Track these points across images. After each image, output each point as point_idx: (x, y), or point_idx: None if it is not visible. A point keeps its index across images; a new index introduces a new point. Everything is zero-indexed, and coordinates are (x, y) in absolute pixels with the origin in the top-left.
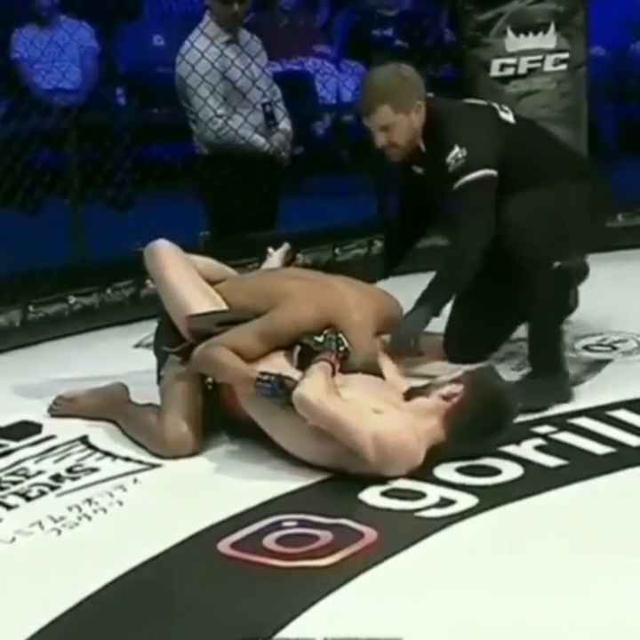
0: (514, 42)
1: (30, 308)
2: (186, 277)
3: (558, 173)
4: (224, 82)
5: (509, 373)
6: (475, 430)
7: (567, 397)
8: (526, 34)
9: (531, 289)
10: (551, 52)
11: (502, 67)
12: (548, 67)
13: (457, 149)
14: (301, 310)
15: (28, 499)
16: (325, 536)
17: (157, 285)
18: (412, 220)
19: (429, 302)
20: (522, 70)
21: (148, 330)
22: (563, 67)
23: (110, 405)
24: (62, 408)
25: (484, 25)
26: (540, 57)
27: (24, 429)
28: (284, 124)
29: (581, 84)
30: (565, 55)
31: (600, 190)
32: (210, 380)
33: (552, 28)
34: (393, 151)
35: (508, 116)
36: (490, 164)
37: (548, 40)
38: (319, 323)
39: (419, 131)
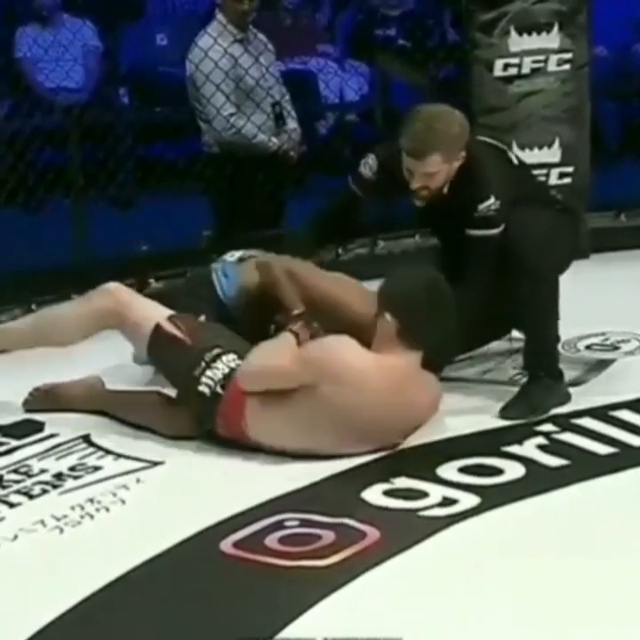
0: (517, 42)
1: (33, 306)
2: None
3: (548, 206)
4: (234, 80)
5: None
6: (432, 330)
7: (567, 398)
8: (530, 34)
9: (534, 295)
10: (555, 51)
11: (506, 66)
12: (552, 66)
13: (492, 200)
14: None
15: (31, 497)
16: (328, 535)
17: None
18: (361, 211)
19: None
20: (525, 70)
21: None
22: (566, 66)
23: (91, 396)
24: (38, 401)
25: (487, 25)
26: (543, 57)
27: (26, 428)
28: (292, 124)
29: (584, 83)
30: (569, 55)
31: (579, 228)
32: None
33: (555, 27)
34: (423, 194)
35: (513, 158)
36: (502, 222)
37: (552, 40)
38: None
39: (451, 177)
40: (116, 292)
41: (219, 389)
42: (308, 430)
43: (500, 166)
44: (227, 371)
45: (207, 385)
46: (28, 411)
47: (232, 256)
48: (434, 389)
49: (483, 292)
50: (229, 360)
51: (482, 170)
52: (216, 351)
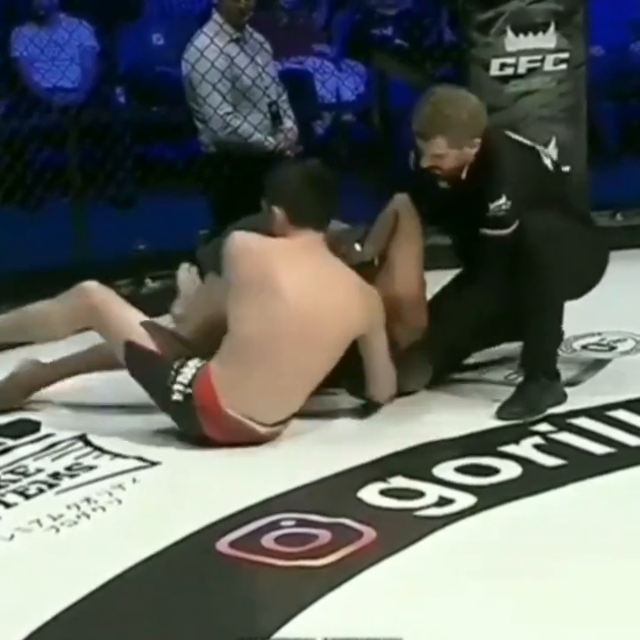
0: (513, 41)
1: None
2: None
3: (572, 216)
4: (231, 80)
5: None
6: (317, 209)
7: (564, 398)
8: (526, 33)
9: (534, 292)
10: (551, 51)
11: (502, 66)
12: (548, 66)
13: (503, 200)
14: None
15: (27, 497)
16: (324, 535)
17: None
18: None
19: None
20: (521, 70)
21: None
22: (562, 66)
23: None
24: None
25: (483, 24)
26: (539, 56)
27: (23, 427)
28: (290, 123)
29: (581, 83)
30: (565, 55)
31: (604, 246)
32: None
33: (552, 27)
34: (435, 173)
35: (548, 162)
36: (515, 222)
37: (548, 40)
38: None
39: (467, 163)
40: (94, 291)
41: (189, 390)
42: (272, 371)
43: (522, 166)
44: (194, 371)
45: (179, 391)
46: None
47: None
48: (351, 277)
49: (494, 292)
50: (196, 363)
51: (499, 167)
52: (182, 358)
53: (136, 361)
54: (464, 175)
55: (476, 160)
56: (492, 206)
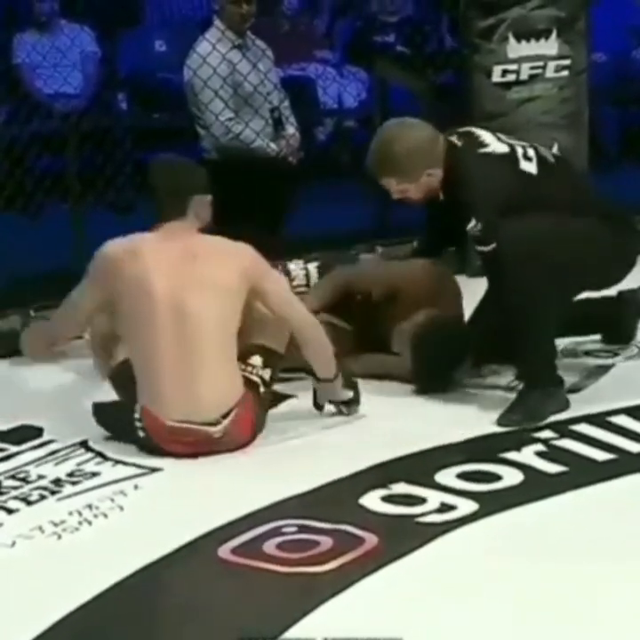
0: (515, 48)
1: (31, 312)
2: None
3: (574, 215)
4: (233, 86)
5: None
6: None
7: (566, 405)
8: (528, 40)
9: (521, 303)
10: (553, 58)
11: (504, 73)
12: (550, 73)
13: (473, 222)
14: None
15: (29, 503)
16: (326, 542)
17: None
18: (439, 234)
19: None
20: (523, 76)
21: None
22: (564, 73)
23: None
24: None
25: (485, 31)
26: (541, 63)
27: (24, 433)
28: (291, 129)
29: (583, 90)
30: (567, 61)
31: (631, 237)
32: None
33: (554, 34)
34: (410, 201)
35: (530, 166)
36: (492, 242)
37: (550, 46)
38: None
39: (435, 188)
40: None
41: (140, 423)
42: (175, 366)
43: (491, 182)
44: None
45: (138, 427)
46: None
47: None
48: (214, 244)
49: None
50: None
51: (466, 189)
52: None
53: (117, 383)
54: (441, 196)
55: (450, 178)
56: (469, 227)
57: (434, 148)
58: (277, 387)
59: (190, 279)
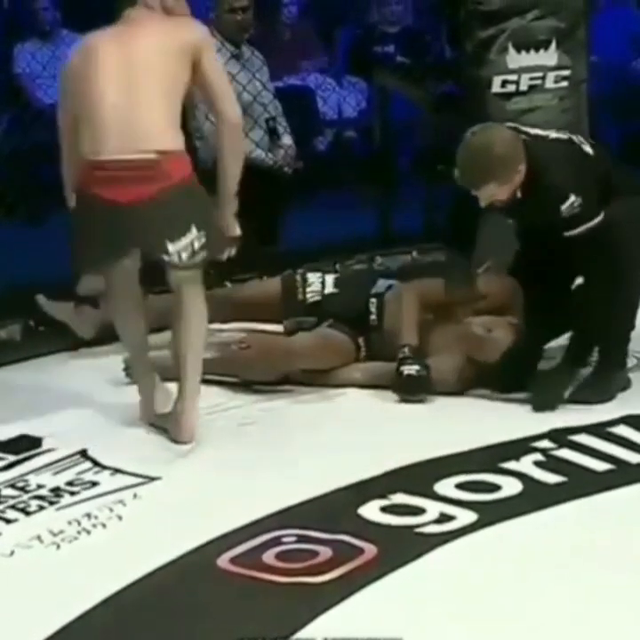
0: (515, 58)
1: (31, 321)
2: None
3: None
4: None
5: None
6: None
7: (629, 383)
8: (528, 50)
9: (627, 287)
10: (552, 68)
11: (504, 83)
12: (550, 83)
13: (573, 198)
14: None
15: (28, 513)
16: (325, 552)
17: None
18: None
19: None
20: (523, 87)
21: (152, 342)
22: (564, 83)
23: None
24: None
25: (485, 42)
26: (541, 73)
27: (24, 443)
28: (287, 140)
29: (582, 100)
30: (567, 72)
31: None
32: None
33: (553, 44)
34: (494, 206)
35: (588, 148)
36: (599, 212)
37: (550, 57)
38: None
39: (517, 185)
40: None
41: None
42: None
43: (571, 161)
44: None
45: None
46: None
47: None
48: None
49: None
50: None
51: (551, 174)
52: None
53: None
54: (519, 194)
55: (530, 172)
56: (563, 208)
57: (519, 145)
58: (268, 402)
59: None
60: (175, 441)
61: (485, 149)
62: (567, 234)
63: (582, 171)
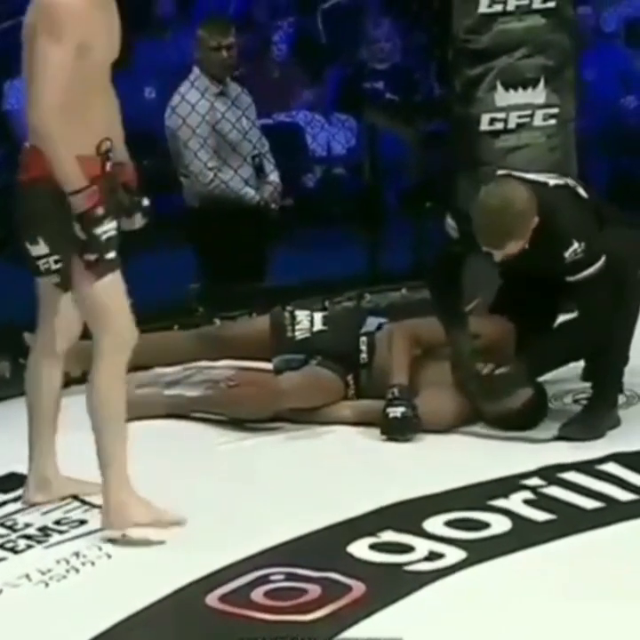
0: (503, 96)
1: (20, 359)
2: None
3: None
4: (214, 134)
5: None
6: None
7: (619, 422)
8: (516, 89)
9: (627, 325)
10: (541, 106)
11: (492, 121)
12: (538, 121)
13: (576, 245)
14: None
15: (16, 551)
16: (313, 589)
17: None
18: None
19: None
20: (511, 125)
21: (141, 379)
22: (552, 121)
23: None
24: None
25: (473, 80)
26: (529, 111)
27: (13, 481)
28: (274, 177)
29: (571, 138)
30: (555, 110)
31: None
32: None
33: (542, 82)
34: (506, 261)
35: (582, 190)
36: (600, 255)
37: (538, 95)
38: None
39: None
40: None
41: None
42: None
43: (571, 208)
44: None
45: None
46: None
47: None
48: None
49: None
50: None
51: (554, 222)
52: None
53: None
54: (526, 245)
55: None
56: (567, 255)
57: (534, 199)
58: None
59: None
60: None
61: (505, 209)
62: (570, 279)
63: (582, 216)
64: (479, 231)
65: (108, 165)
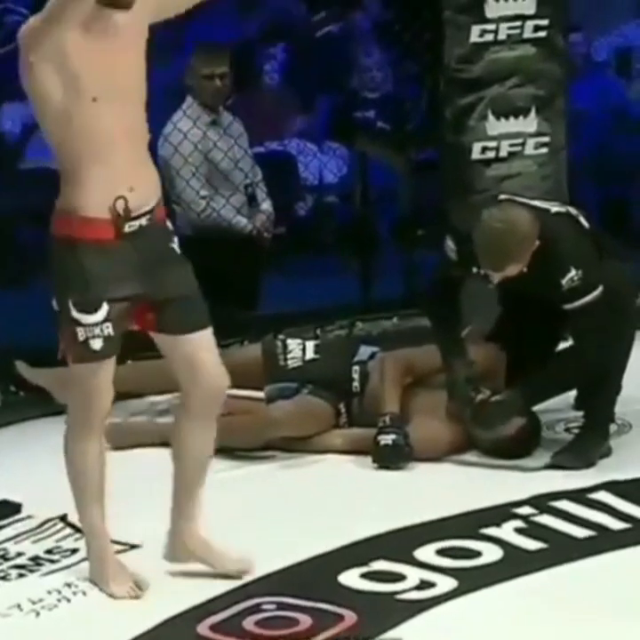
0: (495, 125)
1: (11, 386)
2: None
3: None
4: (206, 163)
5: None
6: None
7: (609, 451)
8: (507, 117)
9: (628, 341)
10: (532, 135)
11: (483, 150)
12: (529, 150)
13: (573, 272)
14: None
15: (7, 581)
16: (305, 619)
17: None
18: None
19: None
20: (503, 153)
21: (133, 407)
22: (543, 150)
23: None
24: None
25: (465, 108)
26: (520, 140)
27: (4, 509)
28: (266, 205)
29: (562, 166)
30: (546, 139)
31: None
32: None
33: (533, 111)
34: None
35: (584, 220)
36: (597, 285)
37: (529, 124)
38: None
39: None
40: None
41: None
42: None
43: (571, 235)
44: None
45: None
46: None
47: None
48: None
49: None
50: None
51: (553, 248)
52: None
53: None
54: (525, 269)
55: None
56: (564, 282)
57: (536, 222)
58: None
59: None
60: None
61: (508, 232)
62: (566, 307)
63: (581, 244)
64: (481, 253)
65: (127, 226)
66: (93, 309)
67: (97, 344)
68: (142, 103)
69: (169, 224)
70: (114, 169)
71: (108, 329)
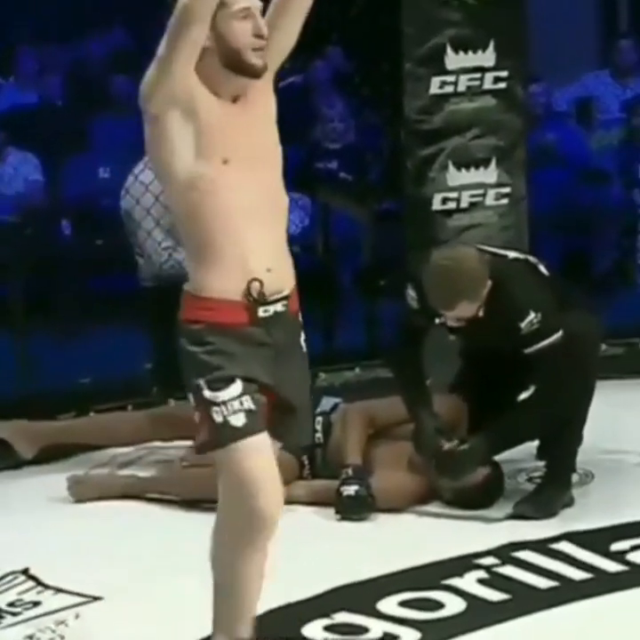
0: (455, 176)
1: None
2: None
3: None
4: (168, 214)
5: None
6: None
7: (571, 501)
8: (468, 168)
9: (587, 390)
10: (492, 186)
11: (444, 200)
12: (490, 201)
13: (532, 315)
14: None
15: None
16: None
17: None
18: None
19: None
20: (464, 204)
21: (95, 460)
22: (504, 201)
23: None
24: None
25: (426, 159)
26: (481, 191)
27: None
28: None
29: (522, 217)
30: (507, 189)
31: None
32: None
33: (493, 162)
34: (460, 326)
35: (543, 268)
36: (558, 328)
37: (490, 174)
38: None
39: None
40: None
41: None
42: None
43: (528, 280)
44: None
45: None
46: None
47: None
48: None
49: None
50: None
51: (510, 291)
52: None
53: None
54: (481, 313)
55: (489, 293)
56: (523, 325)
57: (484, 261)
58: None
59: None
60: None
61: (455, 269)
62: (526, 351)
63: (540, 289)
64: (430, 291)
65: (262, 311)
66: (226, 385)
67: (239, 420)
68: (279, 170)
69: (300, 317)
70: (248, 247)
71: (248, 402)
